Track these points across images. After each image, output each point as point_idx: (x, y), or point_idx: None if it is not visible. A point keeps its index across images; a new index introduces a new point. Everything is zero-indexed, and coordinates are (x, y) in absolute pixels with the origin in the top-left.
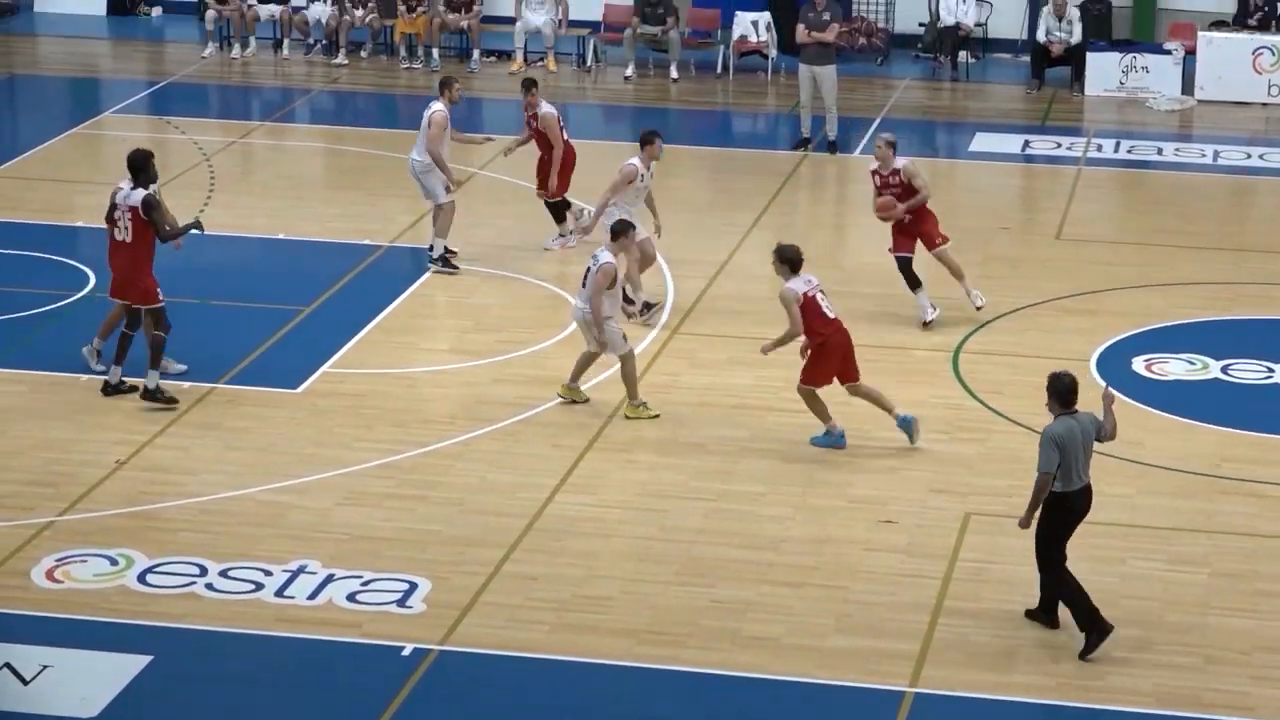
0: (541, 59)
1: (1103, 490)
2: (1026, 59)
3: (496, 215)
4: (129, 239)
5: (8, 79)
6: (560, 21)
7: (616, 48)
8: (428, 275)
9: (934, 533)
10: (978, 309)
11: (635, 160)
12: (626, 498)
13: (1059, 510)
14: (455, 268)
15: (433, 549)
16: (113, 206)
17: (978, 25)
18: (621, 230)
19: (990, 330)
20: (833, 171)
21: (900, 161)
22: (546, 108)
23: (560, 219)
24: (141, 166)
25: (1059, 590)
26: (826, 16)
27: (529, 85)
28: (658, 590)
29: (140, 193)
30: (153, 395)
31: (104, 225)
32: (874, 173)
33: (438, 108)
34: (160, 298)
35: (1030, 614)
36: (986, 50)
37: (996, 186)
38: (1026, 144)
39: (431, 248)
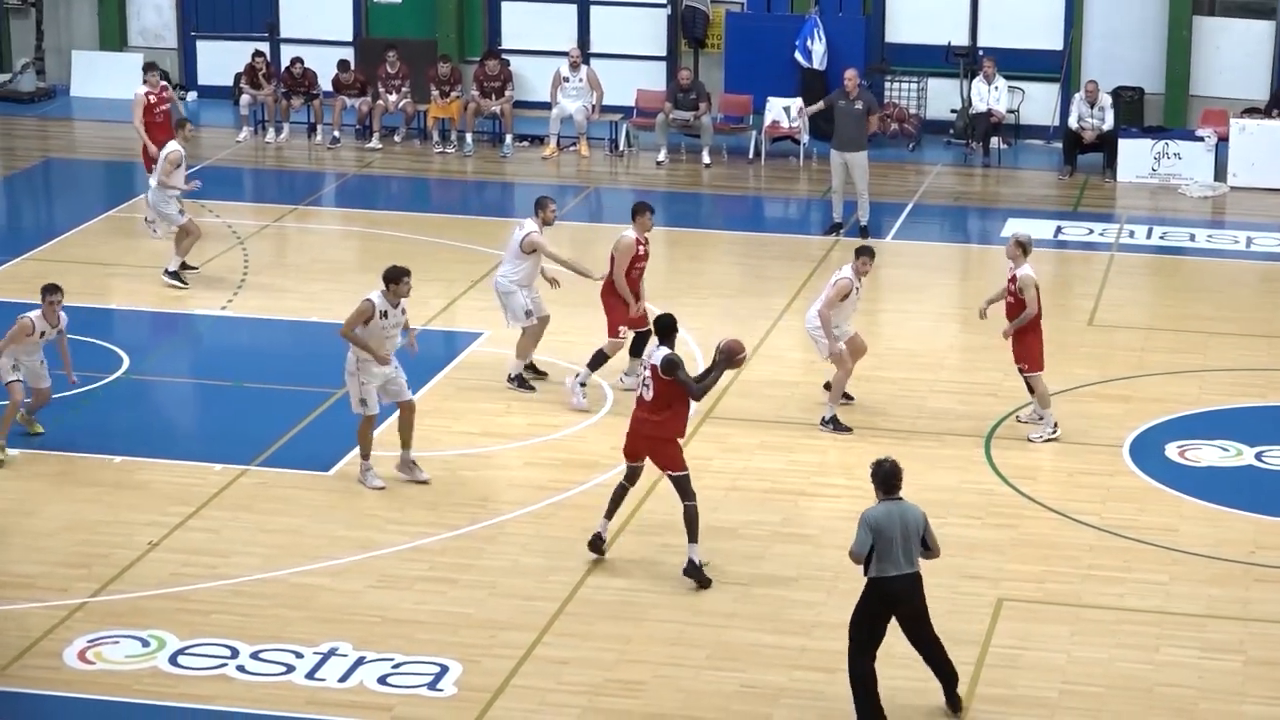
0: (574, 144)
1: (1136, 577)
2: (1059, 145)
3: None
4: None
5: (44, 163)
6: (594, 107)
7: (649, 133)
8: (462, 357)
9: (966, 618)
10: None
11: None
12: (657, 581)
13: (874, 594)
14: (532, 388)
15: (464, 632)
16: None
17: (1010, 111)
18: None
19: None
20: None
21: (1021, 270)
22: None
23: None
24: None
25: (851, 671)
26: (859, 106)
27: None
28: (689, 675)
29: None
30: None
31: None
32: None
33: (531, 228)
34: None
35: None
36: (1018, 136)
37: None
38: (1059, 230)
39: (511, 372)
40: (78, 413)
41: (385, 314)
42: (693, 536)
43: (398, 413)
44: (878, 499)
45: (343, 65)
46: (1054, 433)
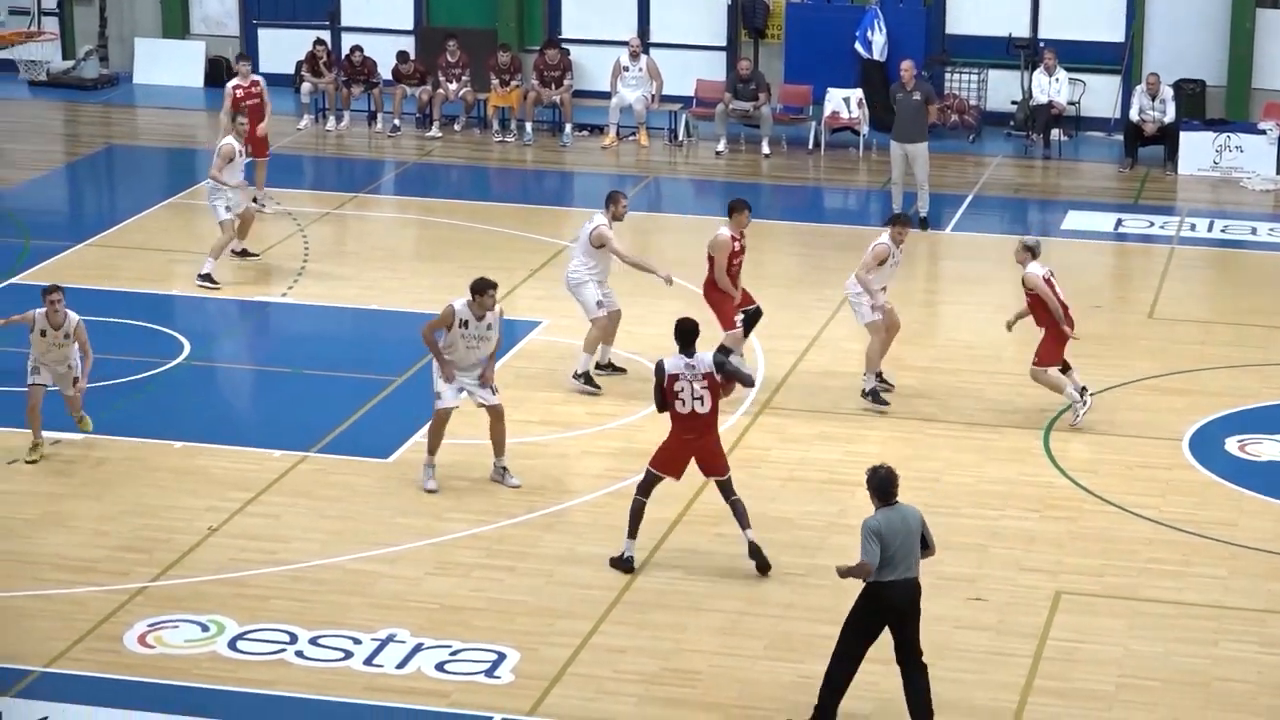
0: (634, 133)
1: (1195, 571)
2: (1119, 137)
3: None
4: None
5: (106, 150)
6: (653, 97)
7: (708, 123)
8: (520, 345)
9: (1024, 611)
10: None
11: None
12: (716, 571)
13: (873, 600)
14: (597, 388)
15: (521, 619)
16: None
17: (1070, 103)
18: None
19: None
20: (924, 248)
21: (1026, 270)
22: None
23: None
24: None
25: (830, 672)
26: (917, 97)
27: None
28: (746, 665)
29: None
30: None
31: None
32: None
33: (600, 221)
34: None
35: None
36: (1079, 128)
37: (1089, 265)
38: (1119, 223)
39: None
40: (139, 398)
41: (466, 324)
42: (749, 523)
43: (489, 420)
44: (875, 507)
45: (402, 56)
46: (1083, 408)
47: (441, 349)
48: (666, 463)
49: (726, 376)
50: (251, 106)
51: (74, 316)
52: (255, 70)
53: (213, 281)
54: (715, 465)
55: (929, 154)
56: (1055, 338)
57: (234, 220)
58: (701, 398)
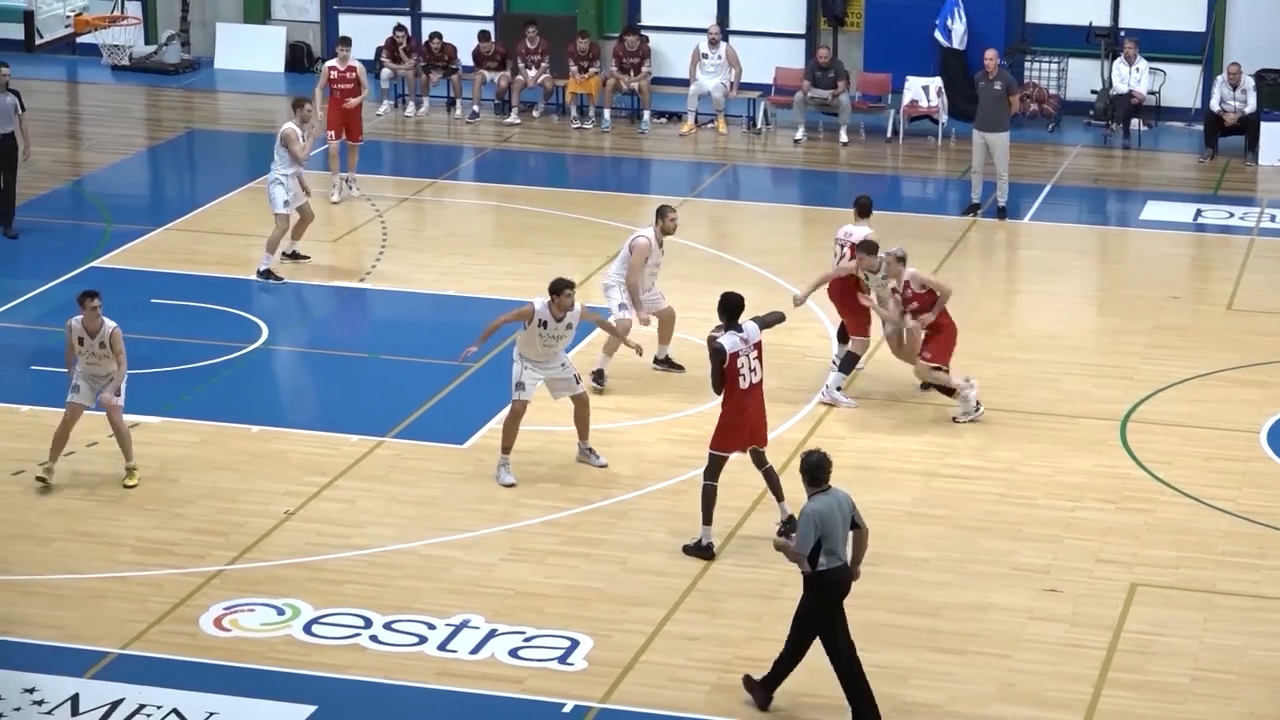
0: (712, 121)
1: (1272, 564)
2: (1199, 127)
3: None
4: None
5: (187, 134)
6: (732, 84)
7: (787, 111)
8: (596, 333)
9: (1099, 603)
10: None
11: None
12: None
13: (824, 588)
14: (680, 367)
15: (595, 606)
16: None
17: (1150, 93)
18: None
19: (1159, 400)
20: (1002, 237)
21: (909, 271)
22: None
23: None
24: None
25: (786, 651)
26: (998, 87)
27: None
28: (818, 654)
29: None
30: None
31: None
32: (893, 291)
33: (643, 235)
34: None
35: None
36: (1159, 118)
37: (1167, 255)
38: (1198, 213)
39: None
40: (217, 382)
41: (545, 324)
42: (783, 494)
43: (574, 408)
44: (808, 493)
45: (483, 35)
46: (977, 411)
47: (519, 341)
48: (728, 440)
49: (767, 327)
50: (343, 90)
51: (110, 324)
52: (347, 41)
53: (274, 276)
54: (762, 433)
55: (1009, 144)
56: (949, 338)
57: (290, 214)
58: (755, 368)
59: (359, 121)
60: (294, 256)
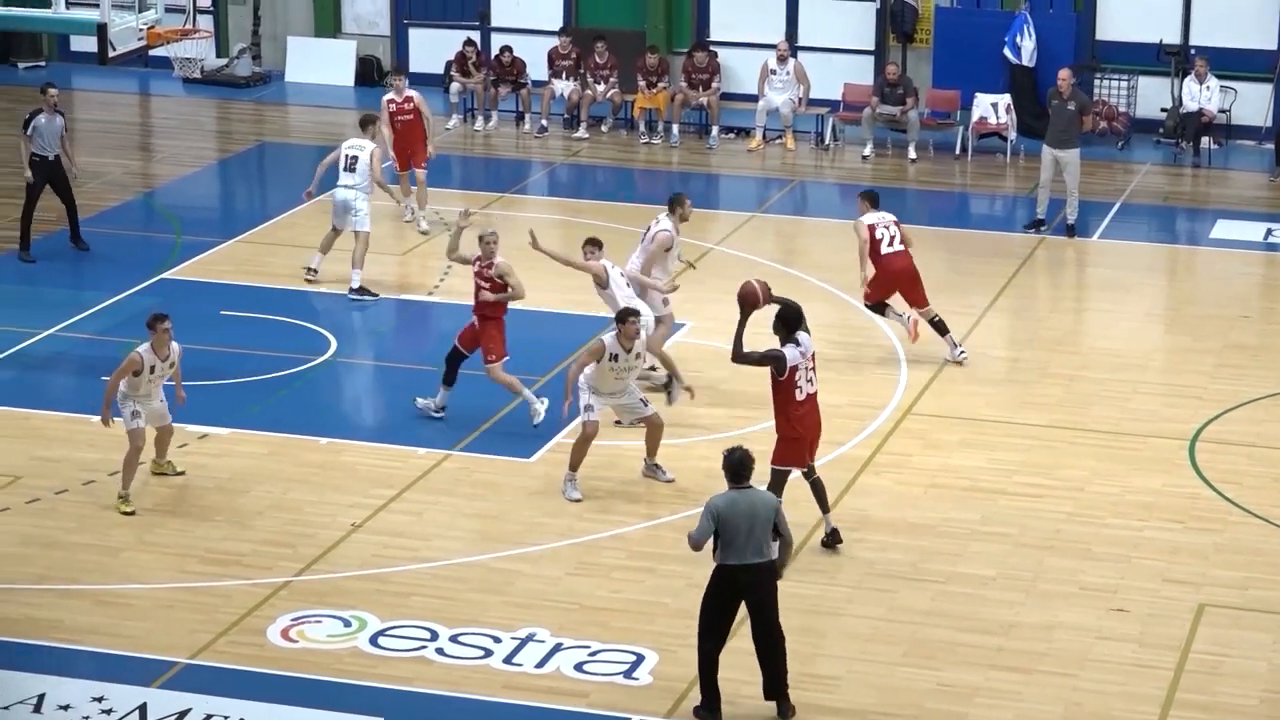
0: (780, 136)
1: None
2: (1270, 146)
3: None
4: None
5: (258, 147)
6: (800, 100)
7: (855, 127)
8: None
9: (1167, 623)
10: None
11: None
12: (855, 576)
13: (718, 581)
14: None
15: (661, 621)
16: None
17: (1221, 111)
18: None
19: (1229, 420)
20: (1070, 255)
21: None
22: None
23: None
24: None
25: (698, 649)
26: (1072, 106)
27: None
28: (884, 671)
29: None
30: None
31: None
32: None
33: (665, 225)
34: None
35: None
36: (1229, 137)
37: (1237, 274)
38: (1269, 232)
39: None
40: (286, 394)
41: (616, 358)
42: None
43: (647, 429)
44: (728, 487)
45: (563, 31)
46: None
47: (589, 376)
48: (790, 454)
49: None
50: (404, 123)
51: (177, 345)
52: (407, 75)
53: (370, 293)
54: (814, 446)
55: (1080, 161)
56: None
57: (368, 234)
58: (812, 379)
59: (423, 149)
60: (311, 273)
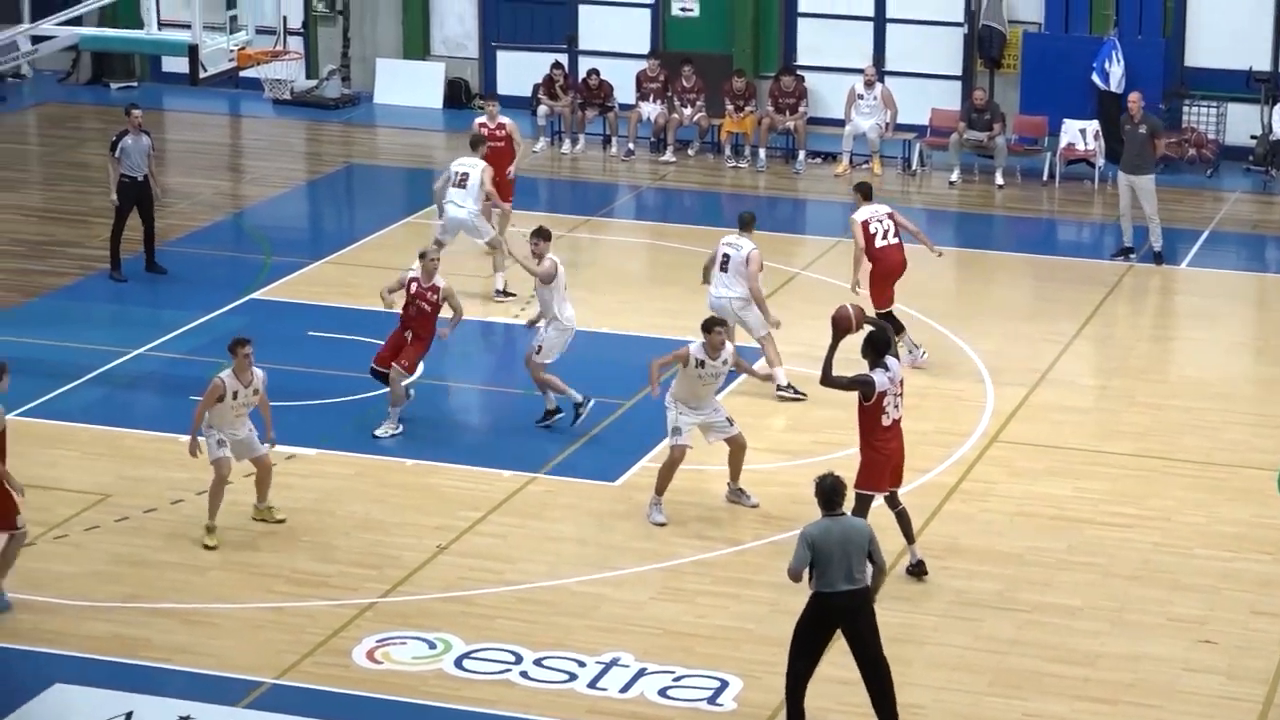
0: (867, 161)
1: None
2: None
3: (815, 315)
4: None
5: (346, 169)
6: (887, 125)
7: (942, 153)
8: (744, 377)
9: (1255, 655)
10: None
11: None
12: (941, 605)
13: (814, 608)
14: (803, 395)
15: (745, 647)
16: None
17: None
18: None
19: None
20: (1158, 283)
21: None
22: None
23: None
24: None
25: (787, 672)
26: (1143, 130)
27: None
28: (970, 700)
29: None
30: None
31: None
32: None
33: (751, 245)
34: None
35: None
36: None
37: None
38: None
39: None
40: (372, 416)
41: (701, 364)
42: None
43: (729, 450)
44: (820, 514)
45: (651, 55)
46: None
47: (676, 388)
48: (874, 479)
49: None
50: (494, 150)
51: (260, 371)
52: (495, 97)
53: (509, 293)
54: (899, 472)
55: (1156, 187)
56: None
57: (496, 236)
58: (898, 405)
59: (509, 184)
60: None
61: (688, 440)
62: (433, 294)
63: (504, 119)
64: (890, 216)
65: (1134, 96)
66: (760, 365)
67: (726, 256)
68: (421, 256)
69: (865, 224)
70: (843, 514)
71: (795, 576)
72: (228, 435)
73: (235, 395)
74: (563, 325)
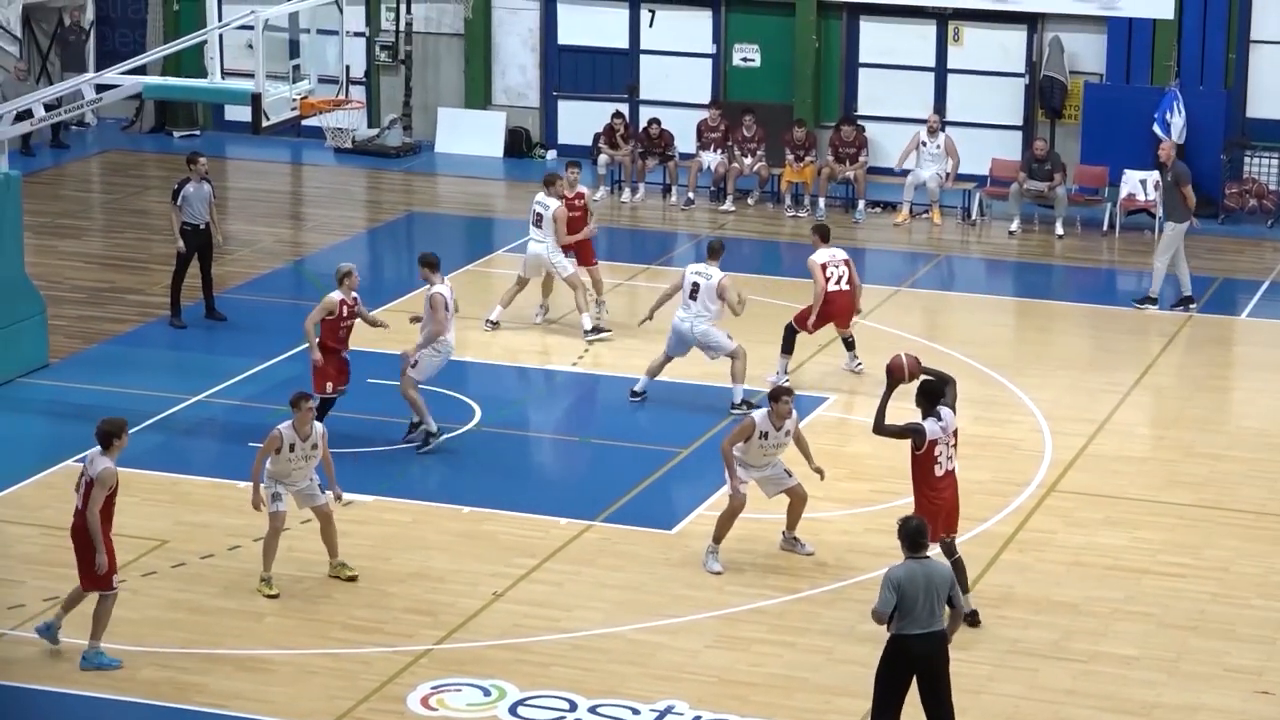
0: (927, 210)
1: None
2: None
3: (872, 365)
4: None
5: (407, 217)
6: (948, 175)
7: (1002, 202)
8: (807, 421)
9: None
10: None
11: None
12: (996, 654)
13: (894, 651)
14: (755, 405)
15: (799, 696)
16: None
17: None
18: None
19: None
20: (1218, 333)
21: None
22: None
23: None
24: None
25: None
26: (1169, 178)
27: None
28: None
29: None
30: None
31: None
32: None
33: (721, 274)
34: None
35: None
36: None
37: None
38: None
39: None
40: (430, 462)
41: (766, 435)
42: (969, 587)
43: (790, 500)
44: (904, 556)
45: (712, 104)
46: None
47: (736, 456)
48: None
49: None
50: (572, 218)
51: (319, 425)
52: (576, 164)
53: (604, 330)
54: (953, 521)
55: (1174, 234)
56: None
57: (575, 275)
58: (951, 455)
59: (589, 247)
60: (495, 325)
61: (746, 490)
62: (358, 308)
63: (584, 188)
64: (846, 263)
65: (1164, 145)
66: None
67: (696, 285)
68: (348, 275)
69: (824, 266)
70: (927, 557)
71: (880, 619)
72: (286, 486)
73: (293, 448)
74: (441, 348)
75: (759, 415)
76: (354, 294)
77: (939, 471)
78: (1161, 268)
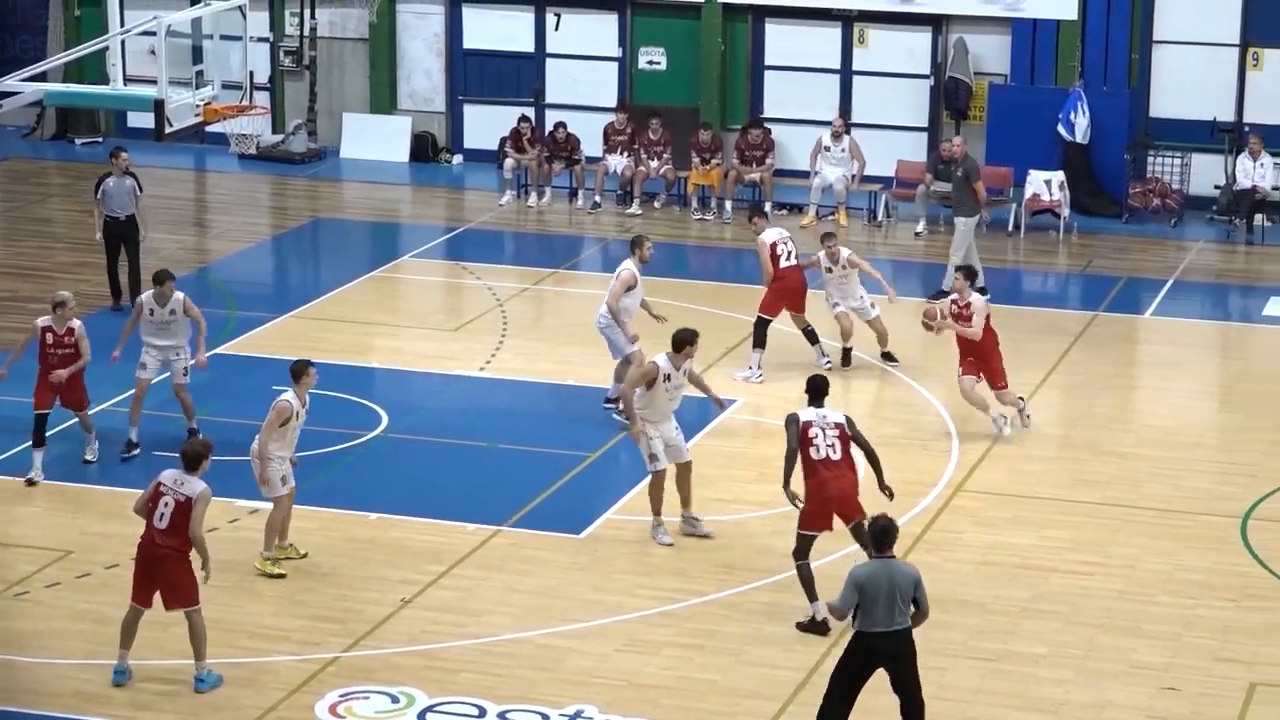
0: (833, 213)
1: None
2: None
3: (795, 372)
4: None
5: (312, 223)
6: (854, 177)
7: (908, 204)
8: (714, 424)
9: (1218, 702)
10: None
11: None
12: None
13: (857, 647)
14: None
15: (709, 699)
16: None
17: (1275, 188)
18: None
19: None
20: (1123, 332)
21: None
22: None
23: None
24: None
25: (820, 713)
26: (959, 172)
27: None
28: None
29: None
30: None
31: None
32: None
33: (627, 266)
34: None
35: None
36: None
37: None
38: None
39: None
40: (336, 469)
41: (669, 377)
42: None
43: (675, 473)
44: (869, 556)
45: (619, 108)
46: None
47: (639, 406)
48: (812, 519)
49: (854, 436)
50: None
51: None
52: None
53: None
54: (850, 509)
55: (965, 229)
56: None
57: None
58: (833, 444)
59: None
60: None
61: (665, 463)
62: (69, 337)
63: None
64: (790, 240)
65: (956, 140)
66: (614, 389)
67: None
68: (60, 305)
69: (774, 245)
70: (892, 556)
71: (840, 617)
72: (281, 458)
73: (297, 415)
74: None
75: (662, 359)
76: (69, 323)
77: (816, 455)
78: (957, 263)
